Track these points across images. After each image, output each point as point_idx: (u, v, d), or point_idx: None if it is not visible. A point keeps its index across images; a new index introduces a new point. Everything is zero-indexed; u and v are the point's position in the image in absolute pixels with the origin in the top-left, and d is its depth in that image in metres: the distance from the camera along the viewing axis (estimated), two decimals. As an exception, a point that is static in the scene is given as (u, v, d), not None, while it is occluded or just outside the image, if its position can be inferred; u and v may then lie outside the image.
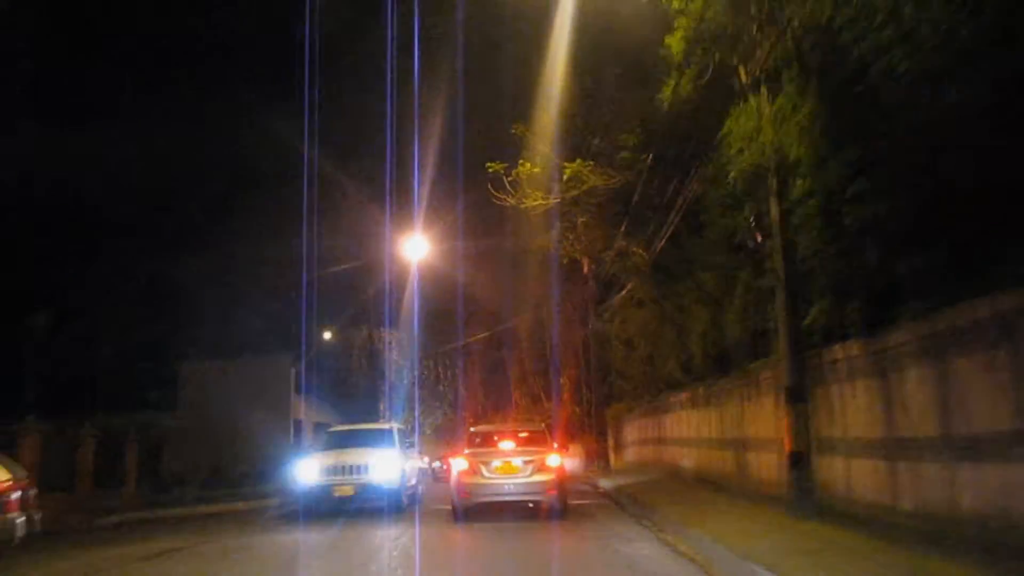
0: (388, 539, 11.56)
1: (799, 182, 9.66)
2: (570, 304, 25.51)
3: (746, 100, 10.65)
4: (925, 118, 7.15)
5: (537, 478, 13.91)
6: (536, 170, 15.80)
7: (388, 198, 25.59)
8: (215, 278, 26.98)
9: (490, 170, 15.96)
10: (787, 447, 10.75)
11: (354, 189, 28.46)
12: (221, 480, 23.74)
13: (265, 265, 27.99)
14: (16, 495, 9.57)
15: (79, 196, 26.31)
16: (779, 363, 11.18)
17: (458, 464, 14.62)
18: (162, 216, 31.64)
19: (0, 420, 18.63)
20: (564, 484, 14.48)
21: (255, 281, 28.09)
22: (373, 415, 31.46)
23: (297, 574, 9.38)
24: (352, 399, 31.42)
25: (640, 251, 18.11)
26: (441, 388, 36.92)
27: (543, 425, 17.72)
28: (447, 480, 17.80)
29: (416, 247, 25.08)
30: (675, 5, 10.66)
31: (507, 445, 14.98)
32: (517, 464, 14.04)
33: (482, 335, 31.89)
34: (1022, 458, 6.41)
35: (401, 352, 34.07)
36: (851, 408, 9.61)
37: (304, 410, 29.55)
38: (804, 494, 10.40)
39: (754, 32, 10.66)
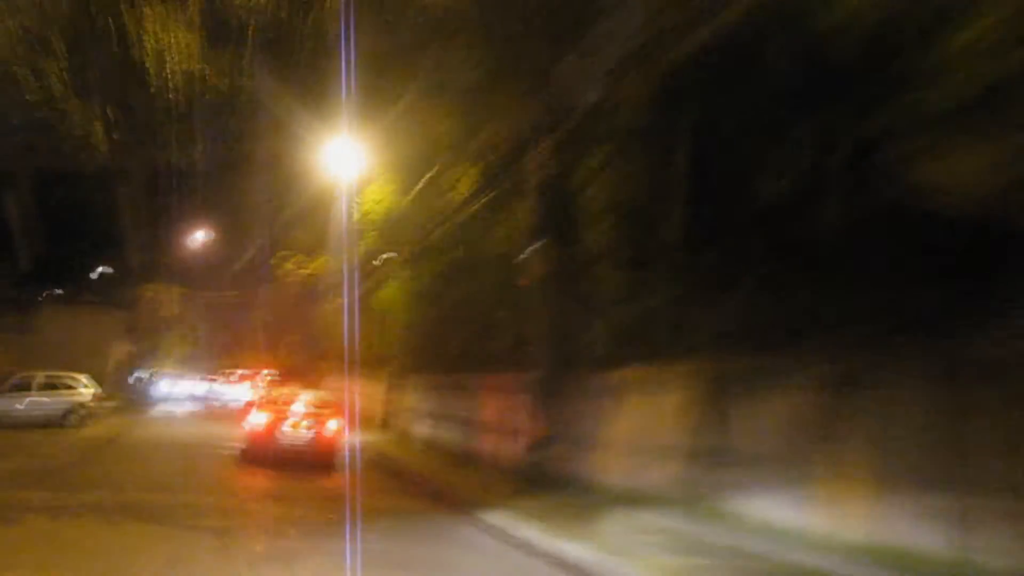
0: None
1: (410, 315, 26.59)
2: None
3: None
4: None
5: (321, 437, 17.39)
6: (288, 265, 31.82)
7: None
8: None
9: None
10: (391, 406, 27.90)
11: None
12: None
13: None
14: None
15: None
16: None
17: (256, 418, 17.83)
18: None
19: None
20: (339, 442, 17.95)
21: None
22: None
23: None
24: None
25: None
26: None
27: (331, 394, 21.48)
28: None
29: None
30: (370, 220, 26.98)
31: (298, 408, 18.05)
32: (307, 424, 17.48)
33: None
34: (437, 420, 23.68)
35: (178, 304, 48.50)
36: (410, 396, 26.75)
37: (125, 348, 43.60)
38: (402, 432, 27.51)
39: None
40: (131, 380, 42.21)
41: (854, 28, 9.71)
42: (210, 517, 10.94)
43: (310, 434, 17.40)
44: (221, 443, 20.48)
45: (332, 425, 17.74)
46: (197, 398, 44.11)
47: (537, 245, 16.05)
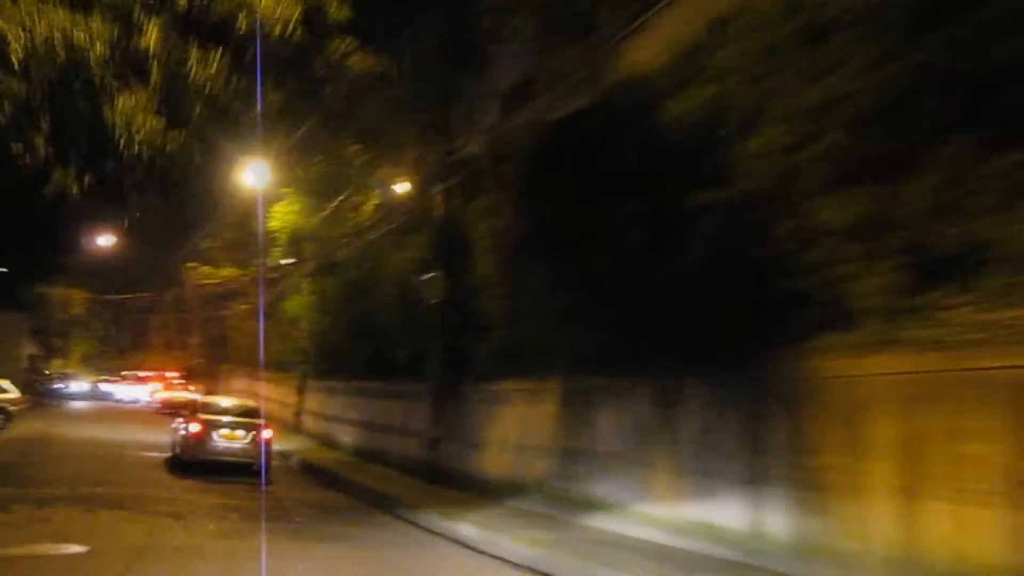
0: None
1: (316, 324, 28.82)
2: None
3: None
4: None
5: (252, 445, 18.08)
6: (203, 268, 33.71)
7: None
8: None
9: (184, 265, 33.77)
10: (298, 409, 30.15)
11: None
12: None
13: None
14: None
15: None
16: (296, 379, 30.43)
17: (188, 425, 18.22)
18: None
19: None
20: (270, 449, 18.79)
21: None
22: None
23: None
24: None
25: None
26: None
27: (258, 404, 21.80)
28: None
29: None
30: (278, 234, 29.18)
31: (230, 417, 18.44)
32: (239, 433, 18.11)
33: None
34: (342, 423, 26.05)
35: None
36: (315, 400, 29.07)
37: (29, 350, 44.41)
38: (309, 433, 29.73)
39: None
40: (35, 381, 43.07)
41: (685, 123, 12.59)
42: (164, 506, 13.16)
43: (244, 443, 18.15)
44: (142, 443, 22.36)
45: (265, 434, 18.52)
46: (101, 398, 45.15)
47: (432, 274, 18.61)
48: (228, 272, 33.96)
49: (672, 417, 11.86)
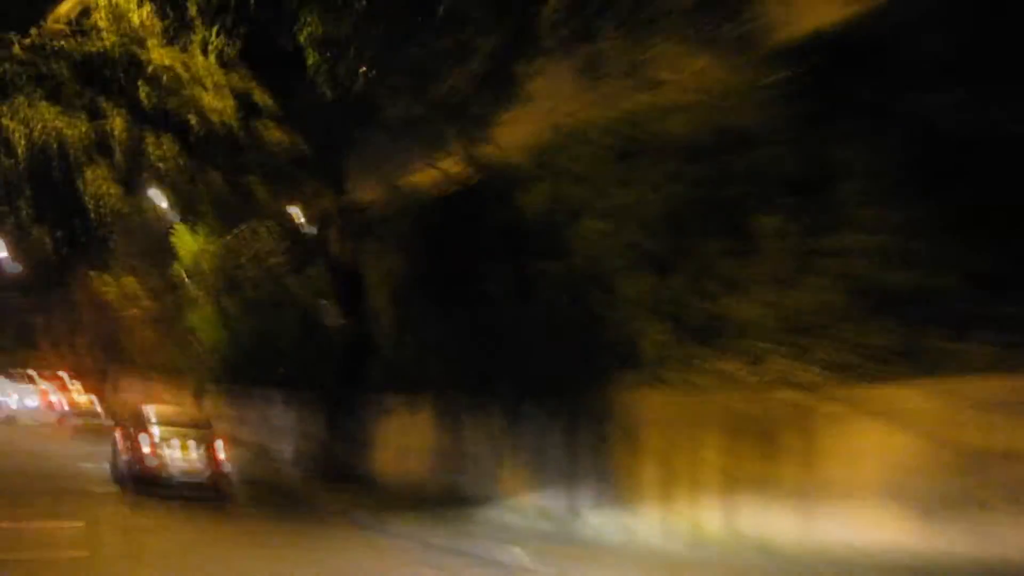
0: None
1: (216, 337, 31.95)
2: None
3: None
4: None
5: (205, 461, 16.97)
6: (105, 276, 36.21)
7: None
8: None
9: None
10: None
11: None
12: None
13: None
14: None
15: None
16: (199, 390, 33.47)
17: (140, 443, 16.39)
18: None
19: None
20: (225, 465, 17.10)
21: None
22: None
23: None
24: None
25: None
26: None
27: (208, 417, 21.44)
28: None
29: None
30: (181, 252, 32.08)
31: (180, 430, 16.95)
32: (191, 449, 16.87)
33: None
34: (241, 425, 29.38)
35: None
36: (213, 405, 32.11)
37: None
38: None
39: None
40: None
41: (532, 208, 16.64)
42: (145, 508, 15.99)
43: (201, 461, 16.81)
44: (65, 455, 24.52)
45: (219, 446, 16.99)
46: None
47: (328, 303, 22.21)
48: (127, 281, 36.34)
49: (516, 428, 15.96)
